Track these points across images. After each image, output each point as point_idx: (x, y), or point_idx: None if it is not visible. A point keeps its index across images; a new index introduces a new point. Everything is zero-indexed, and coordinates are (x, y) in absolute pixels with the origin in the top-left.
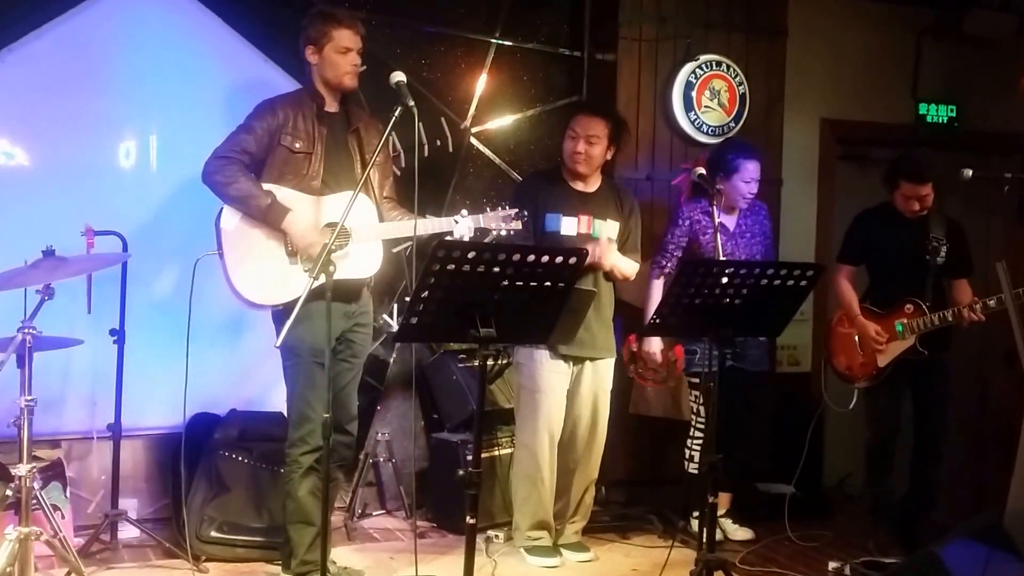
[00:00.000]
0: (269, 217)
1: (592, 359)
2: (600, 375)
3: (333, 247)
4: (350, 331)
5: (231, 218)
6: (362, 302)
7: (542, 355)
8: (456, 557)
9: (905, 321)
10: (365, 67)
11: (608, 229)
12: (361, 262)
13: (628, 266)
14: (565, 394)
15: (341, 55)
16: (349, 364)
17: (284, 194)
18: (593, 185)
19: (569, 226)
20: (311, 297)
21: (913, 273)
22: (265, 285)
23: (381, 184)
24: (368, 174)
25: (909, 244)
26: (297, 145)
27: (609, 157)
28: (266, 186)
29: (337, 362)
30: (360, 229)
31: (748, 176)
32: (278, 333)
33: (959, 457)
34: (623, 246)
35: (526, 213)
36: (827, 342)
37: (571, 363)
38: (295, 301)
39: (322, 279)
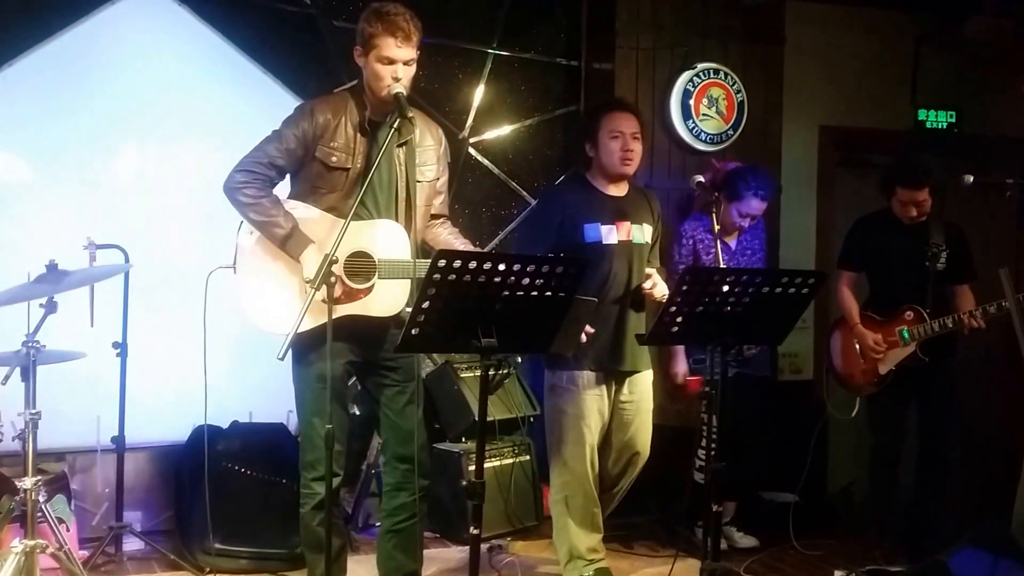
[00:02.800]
0: (288, 247)
1: (633, 372)
2: (640, 391)
3: (355, 281)
4: (388, 357)
5: (250, 236)
6: (391, 331)
7: (583, 379)
8: (460, 567)
9: (906, 328)
10: (406, 78)
11: (645, 233)
12: (384, 300)
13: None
14: (607, 416)
15: (383, 65)
16: (400, 388)
17: (311, 215)
18: (623, 189)
19: (610, 235)
20: (323, 324)
21: (913, 279)
22: (276, 312)
23: (428, 203)
24: (409, 198)
25: (909, 250)
26: (334, 159)
27: None
28: (293, 203)
29: (386, 387)
30: (387, 265)
31: (746, 211)
32: (286, 348)
33: (964, 465)
34: (653, 249)
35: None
36: (827, 351)
37: (612, 381)
38: (307, 332)
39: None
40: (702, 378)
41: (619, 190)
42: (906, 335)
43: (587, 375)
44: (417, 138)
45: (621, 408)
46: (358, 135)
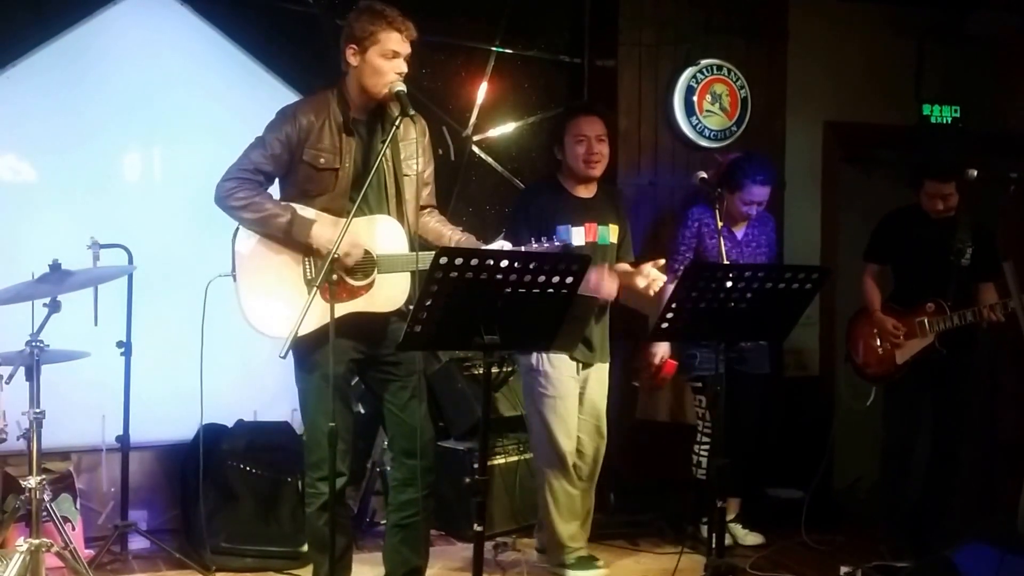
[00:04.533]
0: (293, 233)
1: (596, 363)
2: (602, 381)
3: (355, 278)
4: (389, 353)
5: (247, 241)
6: (393, 325)
7: (560, 361)
8: (465, 564)
9: (927, 319)
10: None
11: (611, 234)
12: (386, 294)
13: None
14: (576, 399)
15: (386, 60)
16: (402, 383)
17: (307, 215)
18: (592, 190)
19: (578, 236)
20: (326, 324)
21: (936, 273)
22: (280, 316)
23: (417, 195)
24: (399, 192)
25: (934, 244)
26: (322, 160)
27: None
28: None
29: (389, 382)
30: (386, 260)
31: (749, 198)
32: (288, 347)
33: (971, 460)
34: (621, 247)
35: (571, 244)
36: (847, 339)
37: (581, 368)
38: (310, 334)
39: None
40: (676, 363)
41: (588, 191)
42: (926, 325)
43: (565, 361)
44: (401, 132)
45: (588, 397)
46: (343, 135)
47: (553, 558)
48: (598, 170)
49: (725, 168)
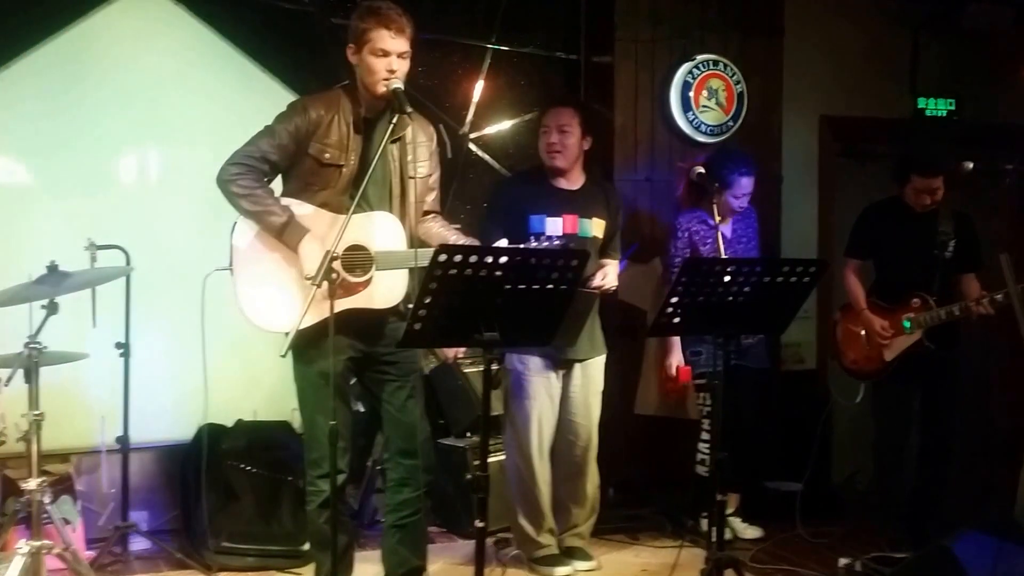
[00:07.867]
0: (284, 236)
1: (581, 360)
2: (590, 376)
3: (354, 275)
4: (387, 352)
5: (245, 234)
6: (391, 323)
7: (532, 362)
8: (466, 561)
9: (912, 316)
10: (400, 71)
11: (594, 228)
12: (383, 291)
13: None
14: (557, 399)
15: (377, 58)
16: (400, 382)
17: (306, 211)
18: (577, 182)
19: (554, 227)
20: (323, 320)
21: (921, 267)
22: (276, 310)
23: (421, 199)
24: (403, 193)
25: (917, 238)
26: (327, 155)
27: (586, 147)
28: (288, 200)
29: (386, 382)
30: (384, 256)
31: (740, 192)
32: (289, 345)
33: (967, 452)
34: (607, 244)
35: (572, 245)
36: (833, 337)
37: (562, 368)
38: (307, 329)
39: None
40: (690, 368)
41: (571, 183)
42: (907, 324)
43: (536, 360)
44: (410, 134)
45: (572, 394)
46: (352, 132)
47: (524, 552)
48: (560, 161)
49: (708, 167)
